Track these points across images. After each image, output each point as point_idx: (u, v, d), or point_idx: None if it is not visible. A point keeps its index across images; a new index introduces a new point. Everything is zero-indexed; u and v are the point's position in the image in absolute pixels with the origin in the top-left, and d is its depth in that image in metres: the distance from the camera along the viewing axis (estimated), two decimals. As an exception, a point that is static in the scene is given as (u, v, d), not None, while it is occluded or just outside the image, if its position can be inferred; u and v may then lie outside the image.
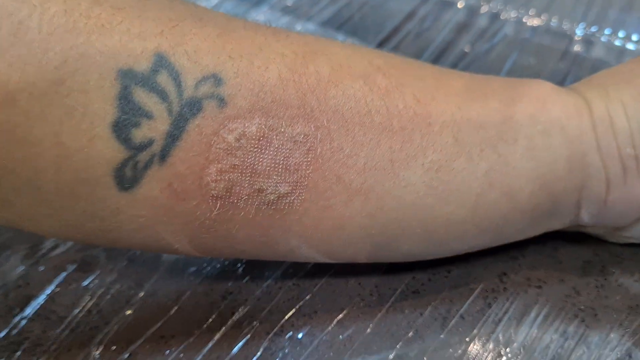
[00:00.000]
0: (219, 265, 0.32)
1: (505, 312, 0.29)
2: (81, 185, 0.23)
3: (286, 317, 0.29)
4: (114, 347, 0.28)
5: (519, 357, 0.27)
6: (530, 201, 0.27)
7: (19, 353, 0.28)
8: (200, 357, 0.28)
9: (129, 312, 0.30)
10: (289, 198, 0.24)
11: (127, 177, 0.23)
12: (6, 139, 0.21)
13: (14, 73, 0.21)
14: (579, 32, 0.45)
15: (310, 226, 0.25)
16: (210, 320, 0.29)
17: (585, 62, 0.43)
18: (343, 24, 0.50)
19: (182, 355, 0.28)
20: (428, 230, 0.27)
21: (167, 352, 0.28)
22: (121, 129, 0.23)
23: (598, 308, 0.29)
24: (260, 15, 0.51)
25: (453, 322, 0.28)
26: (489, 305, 0.29)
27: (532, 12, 0.47)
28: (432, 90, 0.26)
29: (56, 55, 0.21)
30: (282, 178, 0.24)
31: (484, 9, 0.49)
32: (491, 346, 0.27)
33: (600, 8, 0.46)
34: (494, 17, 0.48)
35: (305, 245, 0.26)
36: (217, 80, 0.23)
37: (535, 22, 0.47)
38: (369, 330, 0.28)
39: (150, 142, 0.23)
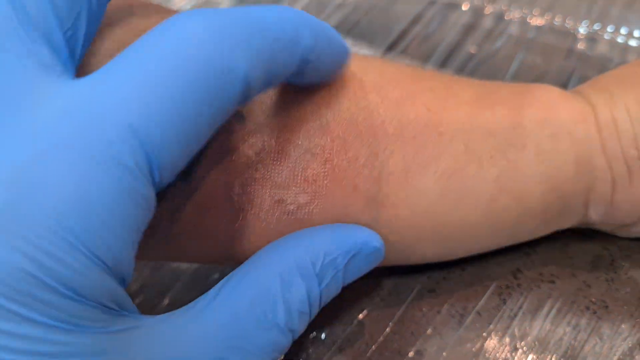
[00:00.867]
0: (241, 270, 0.33)
1: (520, 307, 0.30)
2: None
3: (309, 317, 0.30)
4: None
5: (533, 349, 0.28)
6: (540, 204, 0.28)
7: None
8: None
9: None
10: (308, 207, 0.25)
11: None
12: None
13: None
14: (582, 30, 0.46)
15: None
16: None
17: (590, 59, 0.44)
18: (351, 29, 0.50)
19: None
20: (442, 234, 0.27)
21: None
22: None
23: (609, 300, 0.30)
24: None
25: (469, 318, 0.29)
26: (504, 301, 0.30)
27: (535, 11, 0.48)
28: (443, 100, 0.27)
29: None
30: (301, 189, 0.25)
31: (489, 9, 0.50)
32: (507, 340, 0.28)
33: (602, 6, 0.47)
34: (499, 17, 0.49)
35: None
36: None
37: (539, 21, 0.48)
38: (388, 328, 0.29)
39: None
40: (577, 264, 0.31)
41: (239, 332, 0.21)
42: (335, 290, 0.25)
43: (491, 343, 0.28)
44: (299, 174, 0.25)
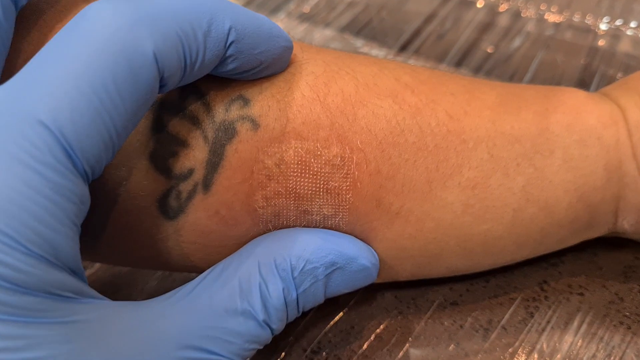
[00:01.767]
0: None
1: (548, 322, 0.28)
2: (128, 215, 0.23)
3: (322, 333, 0.29)
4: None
5: (564, 367, 0.26)
6: (568, 214, 0.26)
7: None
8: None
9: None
10: (334, 219, 0.24)
11: (172, 206, 0.23)
12: None
13: None
14: (603, 26, 0.44)
15: None
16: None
17: (613, 57, 0.42)
18: (362, 29, 0.49)
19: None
20: (466, 248, 0.26)
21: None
22: (158, 160, 0.23)
23: (643, 314, 0.28)
24: (278, 23, 0.50)
25: (495, 333, 0.28)
26: (531, 315, 0.28)
27: (553, 8, 0.47)
28: (464, 105, 0.26)
29: None
30: (325, 201, 0.24)
31: (504, 7, 0.48)
32: (535, 357, 0.27)
33: (624, 1, 0.45)
34: (515, 15, 0.47)
35: None
36: (244, 100, 0.23)
37: (557, 18, 0.46)
38: (408, 344, 0.28)
39: (190, 172, 0.23)
40: (608, 275, 0.30)
41: (216, 322, 0.21)
42: (315, 299, 0.24)
43: (518, 360, 0.27)
44: (322, 187, 0.24)
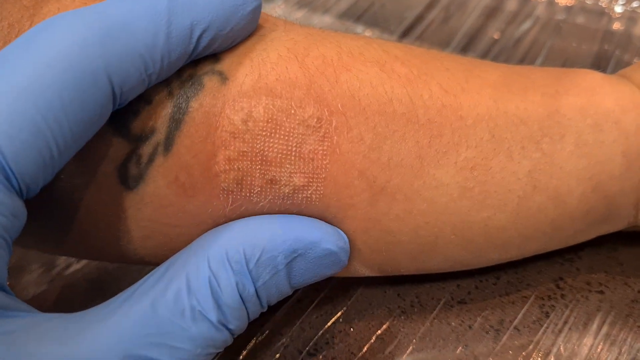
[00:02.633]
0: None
1: (565, 322, 0.26)
2: (88, 190, 0.22)
3: (319, 334, 0.27)
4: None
5: (584, 372, 0.24)
6: (581, 205, 0.24)
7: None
8: (227, 381, 0.25)
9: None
10: (306, 192, 0.22)
11: (132, 174, 0.22)
12: None
13: None
14: (618, 9, 0.42)
15: (333, 224, 0.23)
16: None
17: (629, 41, 0.40)
18: (362, 15, 0.47)
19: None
20: (464, 237, 0.24)
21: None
22: (119, 121, 0.21)
23: (669, 314, 0.26)
24: (276, 9, 0.49)
25: (507, 335, 0.26)
26: (546, 315, 0.26)
27: (565, -9, 0.44)
28: (462, 82, 0.24)
29: None
30: (296, 167, 0.22)
31: (512, -10, 0.46)
32: (552, 361, 0.25)
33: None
34: (524, -1, 0.45)
35: None
36: (215, 57, 0.22)
37: (568, 1, 0.44)
38: (412, 346, 0.26)
39: (152, 131, 0.21)
40: (630, 272, 0.28)
41: (160, 327, 0.19)
42: (280, 291, 0.22)
43: (533, 364, 0.25)
44: (293, 150, 0.22)
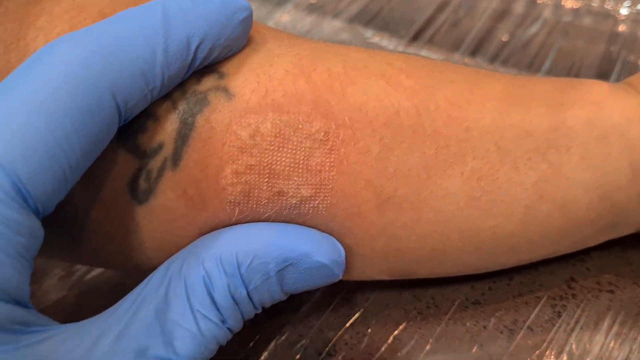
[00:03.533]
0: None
1: (577, 322, 0.27)
2: (101, 205, 0.23)
3: (338, 335, 0.27)
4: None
5: (596, 370, 0.25)
6: (588, 214, 0.25)
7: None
8: (250, 383, 0.26)
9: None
10: (313, 202, 0.23)
11: (142, 188, 0.22)
12: None
13: None
14: (623, 11, 0.43)
15: (339, 233, 0.23)
16: (254, 341, 0.27)
17: (635, 42, 0.41)
18: (372, 19, 0.47)
19: (231, 382, 0.26)
20: (472, 244, 0.24)
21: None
22: (128, 137, 0.22)
23: (678, 312, 0.27)
24: (285, 15, 0.49)
25: (521, 334, 0.26)
26: (559, 315, 0.27)
27: (572, -7, 0.45)
28: (467, 94, 0.24)
29: None
30: (304, 179, 0.22)
31: (520, -7, 0.46)
32: (565, 358, 0.25)
33: (646, -15, 0.44)
34: (531, 1, 0.46)
35: None
36: (219, 74, 0.22)
37: (574, 4, 0.44)
38: (428, 346, 0.26)
39: (160, 146, 0.22)
40: (639, 271, 0.28)
41: (165, 330, 0.20)
42: (272, 296, 0.22)
43: (546, 362, 0.25)
44: (301, 163, 0.22)
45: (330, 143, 0.22)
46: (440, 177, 0.23)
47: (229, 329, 0.22)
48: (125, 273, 0.31)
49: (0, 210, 0.18)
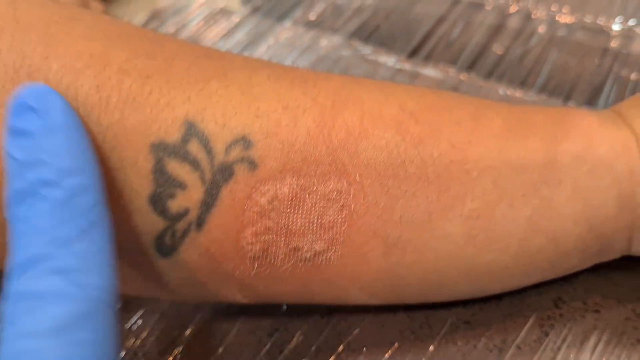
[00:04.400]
0: (263, 303, 0.32)
1: (564, 340, 0.28)
2: (123, 255, 0.23)
3: (337, 352, 0.28)
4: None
5: (581, 388, 0.26)
6: (577, 244, 0.26)
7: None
8: (250, 400, 0.27)
9: (176, 352, 0.30)
10: (325, 254, 0.24)
11: (166, 245, 0.23)
12: None
13: None
14: (615, 27, 0.43)
15: (349, 278, 0.25)
16: (258, 359, 0.29)
17: (627, 57, 0.41)
18: (370, 35, 0.48)
19: (232, 400, 0.27)
20: (469, 277, 0.26)
21: (218, 396, 0.27)
22: (158, 202, 0.23)
23: (661, 331, 0.27)
24: (284, 31, 0.50)
25: (509, 353, 0.27)
26: (546, 334, 0.28)
27: (565, 9, 0.46)
28: (469, 134, 0.25)
29: (94, 137, 0.21)
30: (317, 236, 0.24)
31: (513, 8, 0.47)
32: (551, 377, 0.26)
33: (637, 0, 0.44)
34: (526, 16, 0.46)
35: (344, 295, 0.26)
36: (246, 142, 0.23)
37: (568, 19, 0.45)
38: (422, 365, 0.28)
39: (186, 212, 0.23)
40: (624, 290, 0.29)
41: None
42: None
43: (534, 380, 0.27)
44: (315, 222, 0.23)
45: (342, 201, 0.24)
46: (441, 220, 0.24)
47: None
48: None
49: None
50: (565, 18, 0.45)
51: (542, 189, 0.25)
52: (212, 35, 0.53)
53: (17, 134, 0.20)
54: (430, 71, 0.45)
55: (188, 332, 0.31)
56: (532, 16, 0.46)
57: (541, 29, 0.45)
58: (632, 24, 0.43)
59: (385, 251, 0.24)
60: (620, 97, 0.40)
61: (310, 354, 0.29)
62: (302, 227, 0.23)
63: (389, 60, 0.46)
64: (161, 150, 0.22)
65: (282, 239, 0.23)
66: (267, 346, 0.29)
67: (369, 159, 0.24)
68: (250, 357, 0.29)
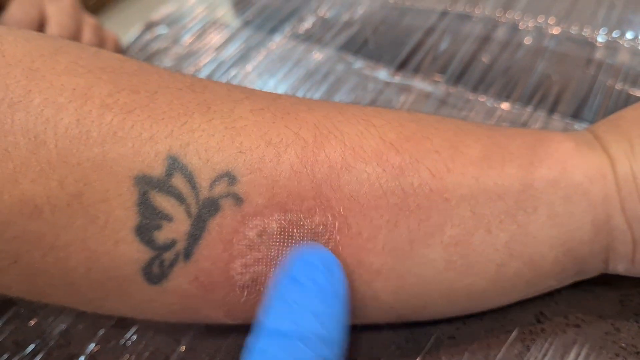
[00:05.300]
0: (253, 320, 0.32)
1: (545, 355, 0.28)
2: (111, 281, 0.24)
3: (324, 368, 0.29)
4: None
5: (561, 402, 0.27)
6: (554, 267, 0.26)
7: None
8: (240, 417, 0.28)
9: (169, 369, 0.31)
10: None
11: (154, 273, 0.24)
12: (37, 245, 0.22)
13: (37, 188, 0.21)
14: (600, 38, 0.44)
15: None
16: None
17: (611, 68, 0.42)
18: (360, 48, 0.49)
19: (223, 420, 0.28)
20: (449, 300, 0.26)
21: (208, 416, 0.28)
22: (144, 232, 0.23)
23: (640, 345, 0.28)
24: (274, 45, 0.51)
25: (492, 368, 0.28)
26: (527, 348, 0.28)
27: (551, 20, 0.46)
28: (448, 162, 0.25)
29: (74, 169, 0.22)
30: None
31: (502, 19, 0.48)
32: (532, 391, 0.27)
33: (621, 12, 0.45)
34: (513, 28, 0.47)
35: None
36: (230, 178, 0.23)
37: (554, 30, 0.46)
38: (407, 380, 0.28)
39: (173, 243, 0.23)
40: (604, 304, 0.30)
41: None
42: None
43: (515, 394, 0.27)
44: None
45: (328, 234, 0.24)
46: (422, 247, 0.25)
47: None
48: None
49: None
50: (551, 29, 0.46)
51: (519, 215, 0.25)
52: (206, 48, 0.53)
53: (298, 285, 0.22)
54: (419, 83, 0.45)
55: (182, 348, 0.32)
56: (520, 27, 0.47)
57: (527, 41, 0.46)
58: (616, 35, 0.44)
59: (369, 279, 0.25)
60: (605, 107, 0.41)
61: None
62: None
63: (380, 74, 0.47)
64: (145, 183, 0.23)
65: (271, 269, 0.24)
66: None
67: (351, 192, 0.24)
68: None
